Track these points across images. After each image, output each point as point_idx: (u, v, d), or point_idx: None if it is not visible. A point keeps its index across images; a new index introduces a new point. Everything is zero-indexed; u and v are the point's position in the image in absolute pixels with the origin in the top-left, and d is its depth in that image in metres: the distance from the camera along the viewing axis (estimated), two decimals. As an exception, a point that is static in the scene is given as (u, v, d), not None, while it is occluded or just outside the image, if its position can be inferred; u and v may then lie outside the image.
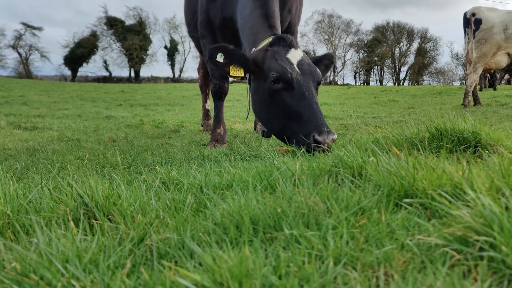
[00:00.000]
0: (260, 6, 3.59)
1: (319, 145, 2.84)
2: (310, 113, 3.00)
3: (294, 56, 3.20)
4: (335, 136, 2.92)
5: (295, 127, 3.02)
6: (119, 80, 56.00)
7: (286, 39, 3.26)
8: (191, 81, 45.10)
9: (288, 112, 3.08)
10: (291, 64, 3.15)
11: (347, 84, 52.28)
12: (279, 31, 3.55)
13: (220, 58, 3.28)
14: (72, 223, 1.18)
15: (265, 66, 3.20)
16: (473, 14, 8.60)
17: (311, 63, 3.25)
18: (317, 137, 2.88)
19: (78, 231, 1.18)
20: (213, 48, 3.29)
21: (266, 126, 3.36)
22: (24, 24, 56.49)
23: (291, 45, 3.25)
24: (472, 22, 8.59)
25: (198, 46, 4.91)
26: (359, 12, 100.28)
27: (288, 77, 3.08)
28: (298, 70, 3.14)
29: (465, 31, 8.92)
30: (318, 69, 3.25)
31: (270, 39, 3.30)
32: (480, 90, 18.94)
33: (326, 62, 3.67)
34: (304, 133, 2.94)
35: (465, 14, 8.85)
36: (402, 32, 64.35)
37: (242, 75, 3.34)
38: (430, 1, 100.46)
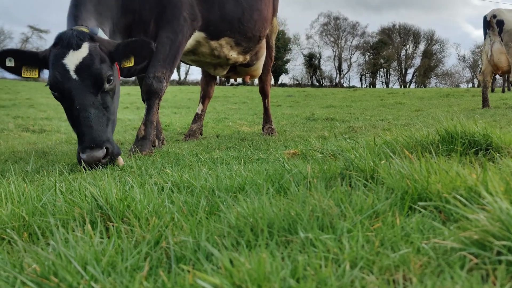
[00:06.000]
0: None
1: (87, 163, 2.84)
2: (78, 129, 2.95)
3: (72, 60, 2.95)
4: (99, 153, 2.86)
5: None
6: (125, 82, 56.19)
7: (64, 38, 3.00)
8: (197, 83, 45.28)
9: (71, 124, 3.06)
10: (66, 71, 2.93)
11: (353, 87, 52.17)
12: (86, 22, 3.25)
13: (10, 63, 3.10)
14: (89, 226, 1.18)
15: (49, 70, 3.04)
16: (494, 16, 8.61)
17: (93, 64, 2.98)
18: (81, 154, 2.86)
19: (95, 234, 1.18)
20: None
21: None
22: (31, 27, 56.91)
23: (70, 46, 2.97)
24: (494, 24, 8.60)
25: None
26: (353, 13, 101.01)
27: (59, 88, 2.94)
28: (74, 76, 2.94)
29: (485, 33, 8.92)
30: (101, 67, 3.00)
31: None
32: (492, 91, 18.88)
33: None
34: (77, 150, 2.94)
35: (485, 17, 8.88)
36: (408, 34, 64.26)
37: (37, 76, 3.15)
38: (423, 3, 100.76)
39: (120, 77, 4.00)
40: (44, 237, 1.34)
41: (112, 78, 3.10)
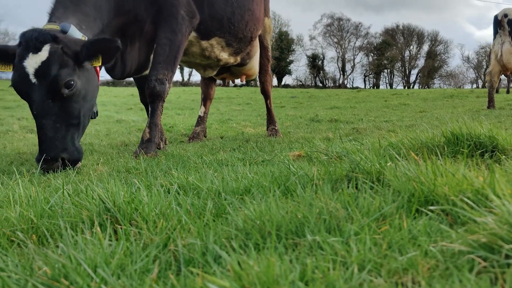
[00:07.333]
0: None
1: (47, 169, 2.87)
2: (37, 134, 2.96)
3: (31, 63, 2.88)
4: (54, 166, 2.88)
5: None
6: (128, 84, 56.32)
7: (22, 39, 2.93)
8: (200, 84, 45.28)
9: None
10: (25, 75, 2.88)
11: (357, 88, 52.10)
12: (60, 20, 3.14)
13: None
14: (98, 229, 1.19)
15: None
16: (505, 15, 8.66)
17: (51, 69, 2.89)
18: (38, 163, 2.88)
19: (104, 236, 1.19)
20: None
21: None
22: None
23: (30, 48, 2.89)
24: (505, 24, 8.65)
25: None
26: (353, 14, 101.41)
27: (19, 91, 2.94)
28: (34, 80, 2.88)
29: (495, 33, 8.96)
30: (59, 73, 2.90)
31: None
32: (497, 92, 18.88)
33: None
34: (36, 156, 2.96)
35: (496, 17, 8.95)
36: (412, 34, 64.15)
37: (11, 70, 3.03)
38: (424, 4, 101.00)
39: (121, 78, 3.98)
40: (53, 239, 1.35)
41: (72, 83, 2.96)
